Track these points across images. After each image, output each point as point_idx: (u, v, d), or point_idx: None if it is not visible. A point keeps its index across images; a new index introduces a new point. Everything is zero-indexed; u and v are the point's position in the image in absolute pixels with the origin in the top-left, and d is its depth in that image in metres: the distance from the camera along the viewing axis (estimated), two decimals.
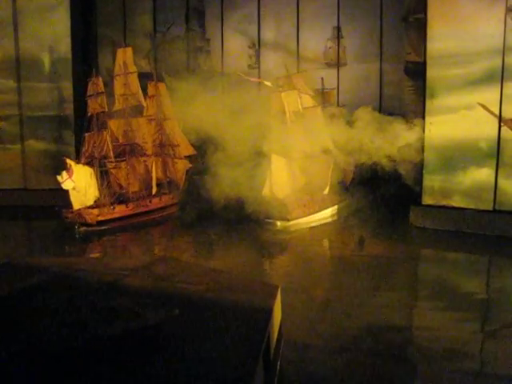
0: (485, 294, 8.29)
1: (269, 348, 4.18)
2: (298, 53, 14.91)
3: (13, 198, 14.30)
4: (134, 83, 12.40)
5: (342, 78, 14.76)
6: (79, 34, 14.98)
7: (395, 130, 11.49)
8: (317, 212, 12.51)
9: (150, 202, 12.55)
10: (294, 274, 9.07)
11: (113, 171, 12.00)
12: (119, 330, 3.63)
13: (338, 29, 14.79)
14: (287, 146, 11.86)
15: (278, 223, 11.78)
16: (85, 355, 3.45)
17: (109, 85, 12.61)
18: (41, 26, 14.41)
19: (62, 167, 11.29)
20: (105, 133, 11.81)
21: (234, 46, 15.59)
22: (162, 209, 12.81)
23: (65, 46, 14.49)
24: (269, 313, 4.35)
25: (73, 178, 11.06)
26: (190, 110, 12.30)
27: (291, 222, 11.89)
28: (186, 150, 13.25)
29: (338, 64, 14.86)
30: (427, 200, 11.50)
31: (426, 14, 11.17)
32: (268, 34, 15.34)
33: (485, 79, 10.55)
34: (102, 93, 12.02)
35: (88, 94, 12.11)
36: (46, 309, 4.15)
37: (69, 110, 14.58)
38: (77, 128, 14.60)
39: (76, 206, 11.22)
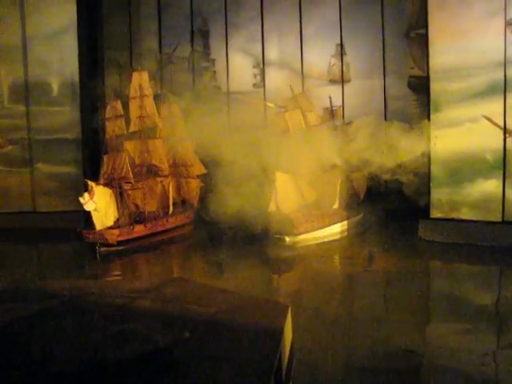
0: (498, 306, 8.22)
1: (280, 368, 4.18)
2: (303, 71, 15.06)
3: (22, 220, 14.42)
4: (150, 105, 12.69)
5: (347, 94, 14.87)
6: (86, 58, 15.22)
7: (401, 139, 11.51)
8: (326, 226, 12.51)
9: (167, 221, 12.76)
10: (304, 292, 9.05)
11: (130, 192, 12.20)
12: (129, 354, 3.65)
13: (341, 46, 14.94)
14: (292, 163, 11.95)
15: (287, 238, 11.82)
16: (95, 380, 3.47)
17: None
18: (49, 51, 14.66)
19: (84, 189, 11.54)
20: (124, 154, 12.04)
21: (239, 65, 15.77)
22: (178, 228, 13.03)
23: (72, 70, 14.70)
24: (280, 333, 4.36)
25: (94, 199, 11.26)
26: (195, 129, 12.51)
27: (299, 237, 11.91)
28: (199, 169, 13.51)
29: (342, 80, 15.00)
30: (435, 213, 11.49)
31: (427, 29, 11.29)
32: (272, 53, 15.52)
33: (488, 92, 10.61)
34: (121, 116, 12.35)
35: (106, 116, 12.46)
36: (56, 333, 4.18)
37: (77, 132, 14.74)
38: (85, 150, 14.80)
39: (98, 226, 11.41)
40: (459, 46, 10.77)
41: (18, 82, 14.82)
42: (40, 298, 5.13)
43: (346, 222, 12.82)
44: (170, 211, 12.83)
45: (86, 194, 11.26)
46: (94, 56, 15.85)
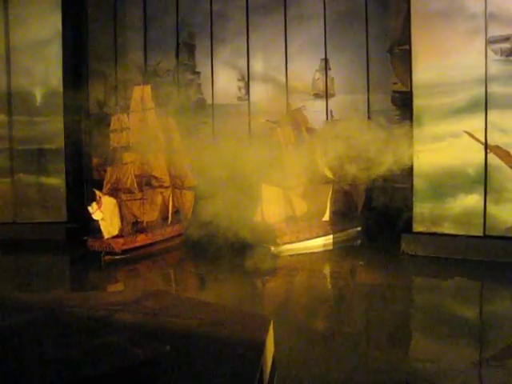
0: (480, 320, 8.27)
1: (262, 382, 4.14)
2: (287, 84, 15.17)
3: (3, 231, 14.19)
4: (151, 118, 12.98)
5: (331, 108, 14.99)
6: (71, 69, 15.16)
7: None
8: (313, 238, 12.52)
9: (165, 231, 13.02)
10: (287, 304, 9.01)
11: (128, 203, 12.36)
12: (108, 368, 3.58)
13: (326, 60, 15.10)
14: (281, 176, 12.02)
15: (272, 248, 11.84)
16: None
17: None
18: (33, 61, 14.58)
19: (92, 198, 11.67)
20: (129, 166, 12.29)
21: (224, 78, 15.85)
22: (174, 238, 13.29)
23: (56, 81, 14.64)
24: (261, 346, 4.32)
25: (101, 208, 11.45)
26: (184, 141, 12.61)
27: (284, 247, 11.93)
28: (191, 180, 13.72)
29: (326, 95, 15.14)
30: (418, 227, 11.57)
31: (410, 45, 11.46)
32: (257, 67, 15.61)
33: (470, 108, 10.79)
34: (127, 128, 12.58)
35: (111, 128, 12.70)
36: (33, 347, 4.09)
37: (59, 143, 14.64)
38: (67, 161, 14.68)
39: (106, 235, 11.62)
40: (442, 62, 10.96)
41: (1, 92, 14.69)
42: (18, 311, 5.03)
43: (336, 235, 12.83)
44: (170, 221, 13.17)
45: (94, 204, 11.46)
46: (78, 67, 15.78)
